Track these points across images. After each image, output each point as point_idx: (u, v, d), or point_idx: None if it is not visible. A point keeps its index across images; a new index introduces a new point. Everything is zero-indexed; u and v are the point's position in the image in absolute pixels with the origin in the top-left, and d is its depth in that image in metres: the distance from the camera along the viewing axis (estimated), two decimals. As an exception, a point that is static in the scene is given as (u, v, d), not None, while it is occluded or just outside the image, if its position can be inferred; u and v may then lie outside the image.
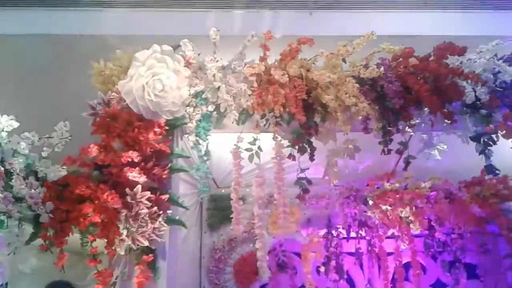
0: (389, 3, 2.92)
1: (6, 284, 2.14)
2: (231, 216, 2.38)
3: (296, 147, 2.38)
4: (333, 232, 3.65)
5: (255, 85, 2.37)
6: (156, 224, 2.12)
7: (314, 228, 3.69)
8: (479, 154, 2.40)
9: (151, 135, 2.24)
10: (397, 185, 3.48)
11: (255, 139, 2.38)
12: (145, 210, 2.10)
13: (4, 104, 2.48)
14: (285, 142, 2.42)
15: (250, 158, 2.40)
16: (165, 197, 2.20)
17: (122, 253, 2.11)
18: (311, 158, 2.38)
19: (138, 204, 2.09)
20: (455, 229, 3.58)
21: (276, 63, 2.41)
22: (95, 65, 2.41)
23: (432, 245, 3.65)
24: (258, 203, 2.39)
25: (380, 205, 3.47)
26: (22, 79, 2.85)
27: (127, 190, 2.09)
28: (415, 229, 3.46)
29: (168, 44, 2.35)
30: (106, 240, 2.07)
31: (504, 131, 2.38)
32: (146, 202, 2.11)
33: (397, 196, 3.42)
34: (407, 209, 3.43)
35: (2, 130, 2.07)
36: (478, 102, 2.38)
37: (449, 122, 2.35)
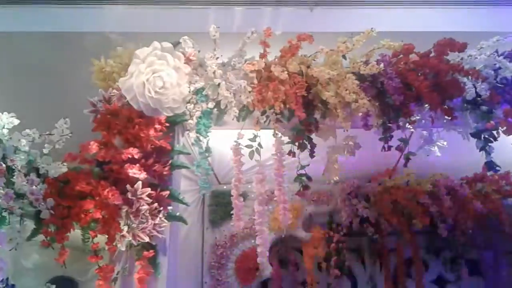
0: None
1: (7, 279, 2.16)
2: (231, 212, 2.39)
3: (296, 143, 2.39)
4: (335, 228, 3.65)
5: (255, 81, 2.37)
6: (157, 220, 2.14)
7: (316, 224, 3.69)
8: (480, 150, 2.39)
9: (151, 132, 2.25)
10: (398, 181, 3.48)
11: (255, 136, 2.39)
12: (146, 207, 2.11)
13: (5, 101, 2.51)
14: (286, 139, 2.42)
15: (251, 155, 2.41)
16: (165, 193, 2.21)
17: (123, 249, 2.12)
18: (311, 155, 2.38)
19: (139, 200, 2.11)
20: (457, 226, 3.57)
21: (276, 59, 2.41)
22: (96, 62, 2.42)
23: (434, 242, 3.66)
24: (258, 200, 2.39)
25: (382, 201, 3.47)
26: (23, 77, 2.86)
27: (128, 186, 2.11)
28: (417, 225, 3.47)
29: (169, 41, 2.36)
30: (107, 236, 2.09)
31: (504, 128, 2.38)
32: (147, 198, 2.12)
33: (399, 192, 3.42)
34: (409, 205, 3.44)
35: (3, 127, 2.08)
36: (479, 99, 2.37)
37: (449, 118, 2.34)
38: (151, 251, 2.14)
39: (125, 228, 2.10)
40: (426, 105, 2.36)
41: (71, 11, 2.69)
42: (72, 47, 2.69)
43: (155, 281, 2.17)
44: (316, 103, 2.40)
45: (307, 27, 2.77)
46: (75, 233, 2.16)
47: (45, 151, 2.09)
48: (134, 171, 2.11)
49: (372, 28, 2.28)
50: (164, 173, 2.26)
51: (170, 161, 2.31)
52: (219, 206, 3.67)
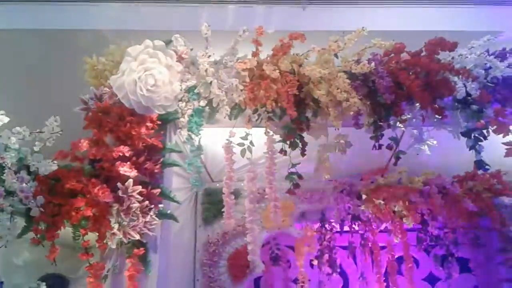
0: (383, -1, 2.92)
1: (-2, 275, 2.17)
2: (222, 210, 2.40)
3: (288, 142, 2.40)
4: (327, 226, 3.67)
5: (247, 80, 2.37)
6: (148, 218, 2.14)
7: (308, 222, 3.70)
8: (470, 149, 2.41)
9: (143, 130, 2.26)
10: (390, 179, 3.49)
11: (247, 134, 2.40)
12: (137, 204, 2.12)
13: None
14: (277, 137, 2.43)
15: (242, 153, 2.42)
16: (156, 191, 2.21)
17: (114, 246, 2.13)
18: (303, 153, 2.39)
19: (130, 198, 2.11)
20: (448, 224, 3.60)
21: (268, 58, 2.41)
22: (88, 60, 2.41)
23: (425, 239, 3.67)
24: (249, 198, 2.41)
25: (374, 200, 3.48)
26: (14, 74, 2.84)
27: (119, 184, 2.11)
28: (408, 223, 3.49)
29: (161, 39, 2.36)
30: (97, 234, 2.09)
31: (495, 127, 2.39)
32: (138, 196, 2.13)
33: (391, 190, 3.43)
34: (400, 203, 3.46)
35: (-6, 125, 2.08)
36: (469, 98, 2.39)
37: (440, 117, 2.36)
38: (141, 248, 2.14)
39: (116, 226, 2.11)
40: (417, 104, 2.38)
41: (62, 8, 2.68)
42: (63, 45, 2.68)
43: (146, 279, 2.17)
44: (307, 101, 2.41)
45: (300, 25, 2.78)
46: (66, 231, 2.15)
47: (35, 148, 2.09)
48: (125, 169, 2.11)
49: (363, 27, 2.29)
50: (155, 171, 2.26)
51: (161, 159, 2.31)
52: (212, 204, 3.68)
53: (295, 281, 3.65)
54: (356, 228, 3.60)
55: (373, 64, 2.32)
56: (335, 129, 2.36)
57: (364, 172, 3.61)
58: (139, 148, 2.24)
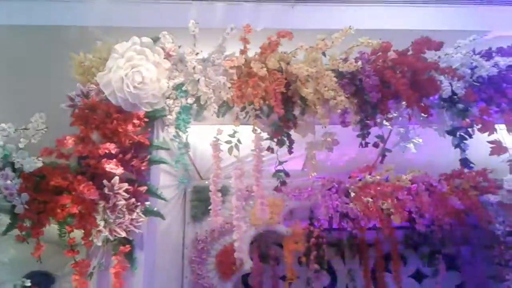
0: (371, -3, 2.93)
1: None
2: (209, 207, 2.40)
3: (275, 139, 2.40)
4: (315, 223, 3.69)
5: (235, 77, 2.37)
6: (134, 215, 2.13)
7: (296, 219, 3.72)
8: (455, 147, 2.44)
9: (130, 127, 2.24)
10: (378, 177, 3.52)
11: (234, 132, 2.40)
12: (123, 202, 2.11)
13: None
14: (265, 135, 2.44)
15: (230, 151, 2.42)
16: (143, 188, 2.21)
17: (99, 244, 2.12)
18: (290, 151, 2.40)
19: (116, 195, 2.10)
20: (435, 221, 3.63)
21: (256, 56, 2.42)
22: (75, 56, 2.40)
23: (412, 237, 3.71)
24: (237, 195, 2.42)
25: (362, 197, 3.50)
26: (0, 70, 2.82)
27: (105, 181, 2.10)
28: (396, 221, 3.52)
29: (149, 36, 2.35)
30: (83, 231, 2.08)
31: (480, 125, 2.42)
32: (124, 193, 2.12)
33: (378, 188, 3.46)
34: (388, 201, 3.48)
35: (-23, 122, 2.06)
36: (455, 97, 2.42)
37: (426, 116, 2.38)
38: (127, 246, 2.13)
39: (102, 223, 2.10)
40: (403, 102, 2.39)
41: (49, 4, 2.66)
42: (50, 41, 2.65)
43: (132, 276, 2.17)
44: (295, 99, 2.42)
45: (289, 24, 2.79)
46: (52, 228, 2.14)
47: (20, 145, 2.07)
48: (111, 166, 2.10)
49: (350, 26, 2.29)
50: (142, 168, 2.25)
51: (148, 157, 2.30)
52: (201, 201, 3.68)
53: (284, 278, 3.66)
54: (344, 225, 3.61)
55: (360, 62, 2.33)
56: (322, 127, 2.37)
57: (353, 170, 3.62)
58: (126, 145, 2.23)
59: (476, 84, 2.46)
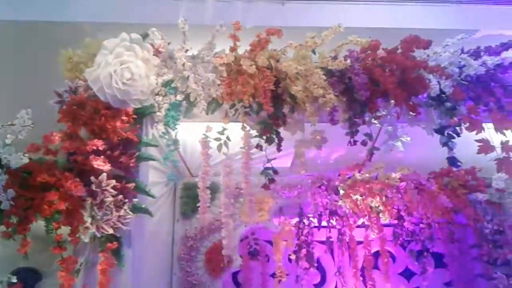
0: (363, -5, 2.94)
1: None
2: (198, 204, 2.40)
3: (264, 137, 2.40)
4: (305, 220, 3.69)
5: (225, 75, 2.37)
6: (121, 212, 2.13)
7: (285, 216, 3.72)
8: (443, 146, 2.45)
9: (118, 124, 2.24)
10: (367, 175, 3.53)
11: (224, 129, 2.40)
12: (110, 198, 2.11)
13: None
14: (254, 132, 2.44)
15: (219, 148, 2.42)
16: (130, 185, 2.20)
17: (87, 240, 2.11)
18: (278, 149, 2.40)
19: (103, 192, 2.10)
20: (423, 219, 3.65)
21: (246, 53, 2.42)
22: (63, 52, 2.38)
23: (401, 234, 3.73)
24: (225, 192, 2.42)
25: (351, 195, 3.52)
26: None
27: (92, 178, 2.10)
28: (385, 219, 3.54)
29: (138, 32, 2.35)
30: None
31: (467, 124, 2.44)
32: (111, 190, 2.11)
33: (368, 186, 3.47)
34: (377, 199, 3.50)
35: (-35, 118, 2.05)
36: (443, 95, 2.43)
37: (414, 114, 2.39)
38: (114, 243, 2.13)
39: (89, 220, 2.09)
40: (392, 101, 2.40)
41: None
42: (38, 37, 2.63)
43: (120, 273, 2.16)
44: (284, 97, 2.42)
45: (280, 21, 2.79)
46: (40, 224, 2.13)
47: (7, 141, 2.05)
48: (99, 163, 2.10)
49: (339, 24, 2.30)
50: (131, 165, 2.25)
51: (137, 153, 2.30)
52: (190, 198, 3.66)
53: (273, 275, 3.67)
54: (334, 223, 3.63)
55: (349, 60, 2.34)
56: (311, 125, 2.37)
57: (342, 168, 3.63)
58: (114, 142, 2.23)
59: (464, 83, 2.48)
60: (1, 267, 2.40)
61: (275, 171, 2.43)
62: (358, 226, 3.72)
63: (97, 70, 2.22)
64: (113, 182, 2.12)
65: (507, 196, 3.60)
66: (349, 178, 3.56)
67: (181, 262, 3.56)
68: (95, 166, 2.09)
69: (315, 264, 3.66)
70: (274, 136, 2.40)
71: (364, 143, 2.42)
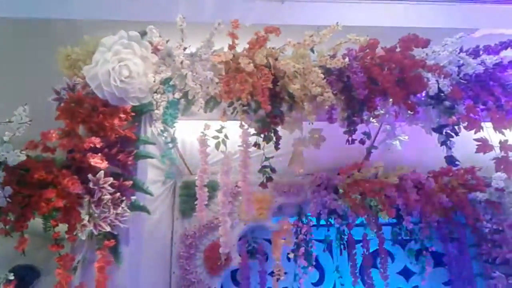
0: (362, -6, 2.93)
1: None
2: (196, 202, 2.41)
3: (262, 135, 2.40)
4: (304, 219, 3.70)
5: (223, 73, 2.37)
6: (119, 210, 2.13)
7: (285, 215, 3.73)
8: (441, 145, 2.45)
9: (116, 121, 2.24)
10: (367, 174, 3.53)
11: (222, 127, 2.40)
12: (108, 196, 2.11)
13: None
14: (253, 131, 2.44)
15: (217, 146, 2.42)
16: (128, 183, 2.20)
17: (84, 238, 2.11)
18: (276, 147, 2.40)
19: (101, 189, 2.10)
20: (422, 218, 3.66)
21: (245, 51, 2.41)
22: (61, 49, 2.38)
23: (400, 233, 3.73)
24: (223, 190, 2.42)
25: (350, 194, 3.52)
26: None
27: (90, 175, 2.10)
28: (384, 218, 3.54)
29: (137, 30, 2.34)
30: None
31: (466, 123, 2.43)
32: (109, 188, 2.11)
33: (367, 185, 3.47)
34: (376, 198, 3.50)
35: (-38, 115, 2.05)
36: (442, 94, 2.43)
37: (412, 113, 2.39)
38: (112, 240, 2.13)
39: (86, 218, 2.09)
40: (390, 99, 2.40)
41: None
42: (37, 34, 2.63)
43: (117, 271, 2.16)
44: (283, 95, 2.41)
45: (279, 19, 2.79)
46: (39, 221, 2.14)
47: (5, 138, 2.05)
48: (96, 160, 2.10)
49: (337, 23, 2.29)
50: (128, 162, 2.25)
51: (134, 151, 2.30)
52: (190, 197, 3.65)
53: (272, 274, 3.67)
54: (333, 222, 3.63)
55: (347, 59, 2.33)
56: (309, 123, 2.37)
57: (342, 167, 3.63)
58: (112, 140, 2.23)
59: (463, 81, 2.47)
60: (0, 265, 2.40)
61: (273, 170, 2.42)
62: (357, 225, 3.72)
63: (95, 68, 2.21)
64: (110, 179, 2.12)
65: (506, 195, 3.61)
66: (348, 177, 3.55)
67: (180, 260, 3.56)
68: (92, 163, 2.09)
69: (314, 263, 3.66)
70: (272, 135, 2.40)
71: (362, 142, 2.42)
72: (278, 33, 2.31)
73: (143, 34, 2.39)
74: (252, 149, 2.42)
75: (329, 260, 3.93)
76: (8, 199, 1.96)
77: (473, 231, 3.78)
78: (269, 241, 3.75)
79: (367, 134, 2.43)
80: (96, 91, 2.22)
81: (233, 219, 3.53)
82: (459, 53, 2.44)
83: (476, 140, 2.44)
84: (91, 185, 2.10)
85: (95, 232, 2.10)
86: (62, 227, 2.13)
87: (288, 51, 2.44)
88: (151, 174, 2.75)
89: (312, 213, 3.62)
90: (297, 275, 3.61)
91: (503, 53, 2.53)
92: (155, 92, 2.32)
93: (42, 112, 2.19)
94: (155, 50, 2.37)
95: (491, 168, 2.61)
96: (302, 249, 3.58)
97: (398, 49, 2.43)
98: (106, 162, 2.13)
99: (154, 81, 2.27)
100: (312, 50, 2.41)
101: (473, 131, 2.42)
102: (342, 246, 3.69)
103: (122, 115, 2.26)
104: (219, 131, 2.40)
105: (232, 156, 2.50)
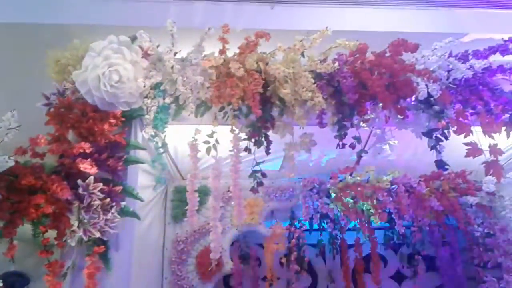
0: (352, -2, 2.94)
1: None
2: (186, 207, 2.40)
3: (253, 140, 2.40)
4: (296, 224, 3.70)
5: (214, 77, 2.37)
6: (109, 216, 2.12)
7: (277, 220, 3.72)
8: (431, 149, 2.46)
9: (106, 126, 2.23)
10: (358, 178, 3.53)
11: (213, 132, 2.40)
12: (98, 202, 2.09)
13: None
14: (244, 135, 2.43)
15: (208, 151, 2.41)
16: (118, 188, 2.19)
17: (73, 244, 2.09)
18: (267, 152, 2.40)
19: (91, 195, 2.09)
20: (414, 222, 3.66)
21: (235, 56, 2.42)
22: (51, 54, 2.37)
23: (392, 238, 3.74)
24: (213, 195, 2.41)
25: (342, 198, 3.52)
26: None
27: (79, 181, 2.08)
28: (376, 222, 3.55)
29: (127, 35, 2.34)
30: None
31: (455, 127, 2.44)
32: (99, 193, 2.10)
33: (359, 189, 3.48)
34: (368, 202, 3.51)
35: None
36: (431, 98, 2.44)
37: (402, 117, 2.40)
38: (101, 246, 2.12)
39: (76, 223, 2.08)
40: (381, 104, 2.40)
41: (25, 1, 2.63)
42: (26, 39, 2.62)
43: (106, 277, 2.15)
44: (273, 100, 2.41)
45: (269, 24, 2.78)
46: (27, 228, 2.12)
47: (-6, 144, 2.04)
48: (85, 166, 2.09)
49: (327, 27, 2.30)
50: (118, 168, 2.24)
51: (124, 156, 2.29)
52: (181, 202, 3.65)
53: (264, 279, 3.66)
54: (325, 226, 3.63)
55: (337, 64, 2.34)
56: (299, 128, 2.37)
57: (333, 171, 3.64)
58: (102, 145, 2.21)
59: (452, 86, 2.48)
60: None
61: (264, 174, 2.42)
62: (349, 229, 3.72)
63: (85, 73, 2.20)
64: (100, 185, 2.11)
65: (497, 199, 3.62)
66: (340, 181, 3.56)
67: (172, 266, 3.55)
68: (81, 169, 2.08)
69: (306, 267, 3.66)
70: (263, 139, 2.40)
71: (352, 146, 2.42)
72: (268, 38, 2.32)
73: (134, 39, 2.38)
74: (242, 153, 2.42)
75: (321, 264, 3.92)
76: (-4, 205, 1.94)
77: (464, 235, 3.79)
78: (262, 245, 3.74)
79: (357, 139, 2.43)
80: (86, 96, 2.21)
81: (225, 224, 3.52)
82: (448, 57, 2.46)
83: (465, 144, 2.45)
84: (80, 190, 2.09)
85: (85, 238, 2.09)
86: (52, 233, 2.12)
87: (279, 56, 2.44)
88: (142, 179, 2.74)
89: (304, 217, 3.62)
90: (289, 280, 3.60)
91: (492, 58, 2.55)
92: (146, 97, 2.32)
93: (31, 118, 2.18)
94: (146, 55, 2.36)
95: (482, 172, 2.63)
96: (294, 254, 3.58)
97: (387, 54, 2.44)
98: (96, 168, 2.12)
99: (145, 86, 2.27)
100: (302, 55, 2.41)
101: (456, 135, 2.44)
102: (334, 251, 3.68)
103: (112, 120, 2.26)
104: (210, 136, 2.39)
105: (223, 161, 2.49)
